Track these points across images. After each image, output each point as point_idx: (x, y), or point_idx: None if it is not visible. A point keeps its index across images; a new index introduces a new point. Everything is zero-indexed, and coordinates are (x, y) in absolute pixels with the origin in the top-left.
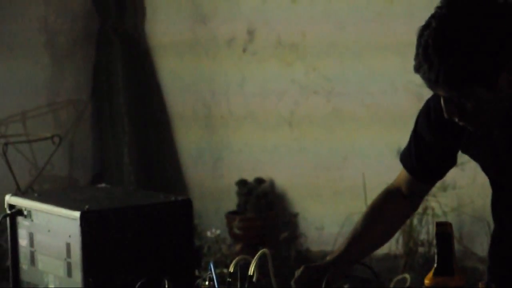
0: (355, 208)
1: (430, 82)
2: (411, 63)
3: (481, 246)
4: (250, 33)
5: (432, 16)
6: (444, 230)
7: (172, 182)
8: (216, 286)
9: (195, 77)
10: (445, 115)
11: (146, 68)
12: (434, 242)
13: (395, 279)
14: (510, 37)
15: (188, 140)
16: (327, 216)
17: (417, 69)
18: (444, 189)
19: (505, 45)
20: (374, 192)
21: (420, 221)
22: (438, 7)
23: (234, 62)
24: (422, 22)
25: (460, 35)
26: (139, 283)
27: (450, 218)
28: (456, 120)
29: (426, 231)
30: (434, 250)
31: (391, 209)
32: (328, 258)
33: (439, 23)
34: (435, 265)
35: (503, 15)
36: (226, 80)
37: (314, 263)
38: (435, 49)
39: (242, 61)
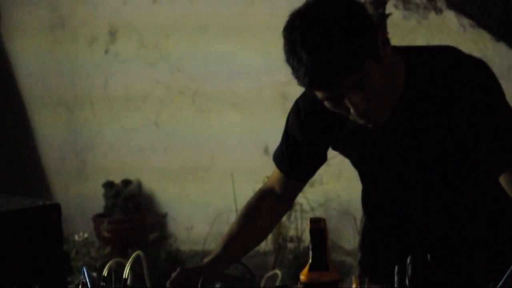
0: (224, 207)
1: (304, 82)
2: (276, 62)
3: (348, 240)
4: (112, 34)
5: (293, 15)
6: (318, 226)
7: (34, 186)
8: None
9: (56, 81)
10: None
11: (4, 73)
12: (303, 237)
13: (266, 276)
14: (368, 27)
15: (51, 143)
16: (196, 216)
17: (295, 71)
18: (312, 184)
19: (365, 35)
20: (243, 191)
21: (288, 217)
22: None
23: (96, 64)
24: (284, 21)
25: (323, 29)
26: None
27: (318, 213)
28: (338, 111)
29: (295, 227)
30: (303, 245)
31: (265, 209)
32: (205, 260)
33: (303, 21)
34: (310, 260)
35: (359, 7)
36: (89, 82)
37: (186, 263)
38: (303, 47)
39: (105, 63)
